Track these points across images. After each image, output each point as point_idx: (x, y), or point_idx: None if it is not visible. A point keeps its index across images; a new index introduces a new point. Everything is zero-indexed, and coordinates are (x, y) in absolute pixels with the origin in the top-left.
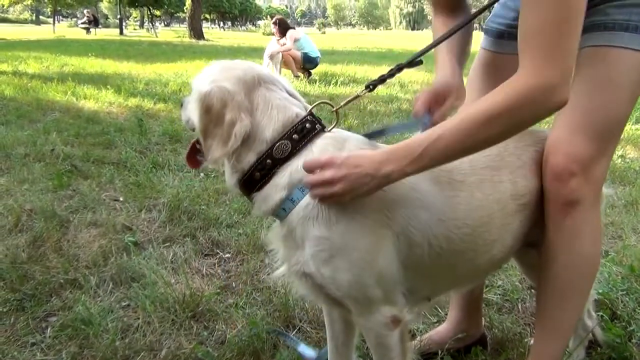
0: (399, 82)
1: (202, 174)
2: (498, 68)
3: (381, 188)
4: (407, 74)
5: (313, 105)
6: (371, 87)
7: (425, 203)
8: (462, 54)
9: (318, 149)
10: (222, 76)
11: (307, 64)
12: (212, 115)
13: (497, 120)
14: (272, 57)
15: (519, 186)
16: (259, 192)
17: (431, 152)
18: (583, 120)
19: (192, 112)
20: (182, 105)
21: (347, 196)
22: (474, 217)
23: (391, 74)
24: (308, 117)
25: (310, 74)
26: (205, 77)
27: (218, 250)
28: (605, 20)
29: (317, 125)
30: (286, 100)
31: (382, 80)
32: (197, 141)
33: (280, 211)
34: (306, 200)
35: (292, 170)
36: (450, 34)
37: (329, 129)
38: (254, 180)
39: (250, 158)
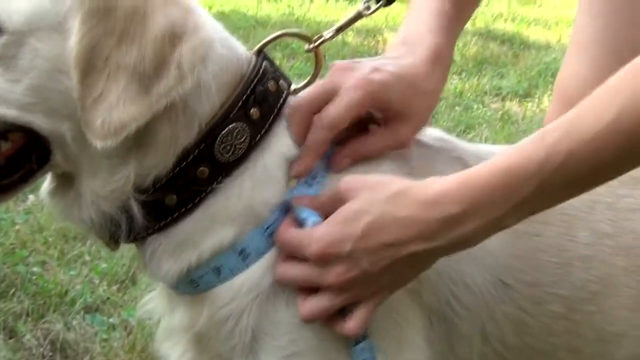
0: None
1: (31, 196)
2: None
3: (433, 263)
4: None
5: (267, 39)
6: None
7: (474, 249)
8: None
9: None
10: None
11: None
12: (116, 18)
13: None
14: None
15: None
16: (165, 232)
17: (552, 183)
18: None
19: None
20: None
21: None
22: (575, 280)
23: None
24: (264, 64)
25: None
26: None
27: None
28: None
29: (282, 83)
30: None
31: None
32: None
33: (207, 276)
34: (274, 251)
35: (251, 182)
36: None
37: (296, 87)
38: (163, 208)
39: (159, 159)
